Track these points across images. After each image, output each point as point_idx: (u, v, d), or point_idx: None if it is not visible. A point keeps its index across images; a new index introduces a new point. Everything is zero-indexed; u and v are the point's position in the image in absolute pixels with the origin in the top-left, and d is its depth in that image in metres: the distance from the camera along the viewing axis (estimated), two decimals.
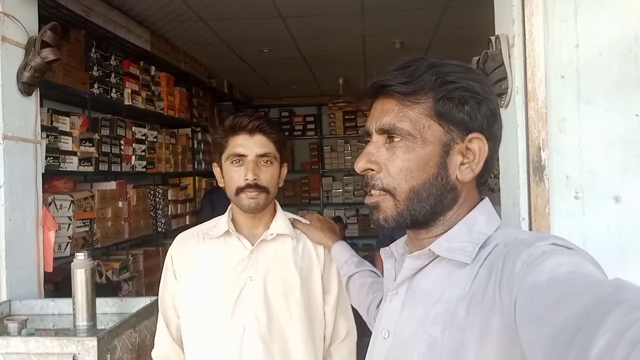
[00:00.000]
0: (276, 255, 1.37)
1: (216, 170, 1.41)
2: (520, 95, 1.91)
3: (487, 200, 0.80)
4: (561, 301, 0.55)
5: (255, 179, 1.30)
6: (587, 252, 0.65)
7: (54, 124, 2.90)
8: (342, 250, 1.36)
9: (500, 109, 2.10)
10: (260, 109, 7.35)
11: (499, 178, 2.21)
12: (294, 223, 1.42)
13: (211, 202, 4.51)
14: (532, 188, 1.87)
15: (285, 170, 1.42)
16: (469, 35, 4.37)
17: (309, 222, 1.44)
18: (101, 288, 2.89)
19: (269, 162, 1.33)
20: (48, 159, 2.77)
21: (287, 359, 1.32)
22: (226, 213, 1.41)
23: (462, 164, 0.75)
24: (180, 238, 1.44)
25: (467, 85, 0.75)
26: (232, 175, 1.33)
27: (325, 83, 6.43)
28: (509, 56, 1.94)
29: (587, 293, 0.54)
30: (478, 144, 0.75)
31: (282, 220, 1.40)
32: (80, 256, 1.81)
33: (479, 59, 2.08)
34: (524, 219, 1.87)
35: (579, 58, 1.88)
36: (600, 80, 1.86)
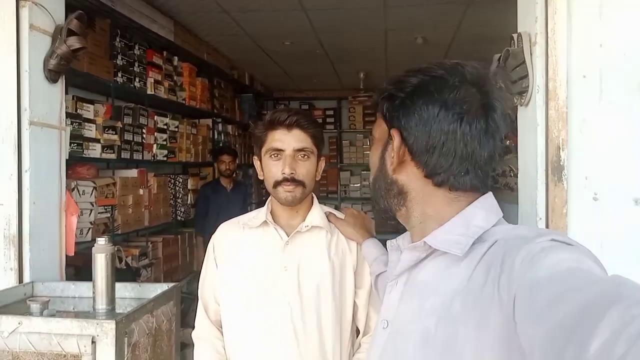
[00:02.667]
0: (310, 246, 1.41)
1: (257, 163, 1.45)
2: (540, 94, 1.89)
3: (489, 195, 0.81)
4: (560, 297, 0.55)
5: (292, 173, 1.34)
6: (587, 249, 0.65)
7: (78, 111, 2.96)
8: (372, 248, 1.37)
9: (520, 108, 2.07)
10: (280, 102, 7.39)
11: (517, 177, 2.19)
12: (328, 217, 1.46)
13: (206, 196, 4.35)
14: (551, 188, 1.85)
15: (323, 164, 1.47)
16: (492, 32, 4.32)
17: (343, 216, 1.47)
18: (120, 273, 2.96)
19: (305, 157, 1.37)
20: (72, 145, 2.83)
21: (317, 347, 1.36)
22: (266, 204, 1.46)
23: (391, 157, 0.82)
24: (223, 227, 1.51)
25: (396, 82, 0.81)
26: (270, 168, 1.38)
27: (346, 77, 6.43)
28: (531, 54, 1.92)
29: (587, 289, 0.54)
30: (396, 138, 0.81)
31: (317, 213, 1.44)
32: (101, 241, 1.86)
33: (501, 56, 2.06)
34: (540, 218, 1.86)
35: (602, 58, 1.85)
36: (623, 81, 1.83)
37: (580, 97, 1.85)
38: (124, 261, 1.89)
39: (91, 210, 3.07)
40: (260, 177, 1.44)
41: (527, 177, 1.99)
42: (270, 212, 1.44)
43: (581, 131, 1.86)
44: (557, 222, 1.86)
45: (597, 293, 0.53)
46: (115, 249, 1.91)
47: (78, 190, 2.96)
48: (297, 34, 4.52)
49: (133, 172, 3.59)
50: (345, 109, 7.37)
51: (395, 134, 0.80)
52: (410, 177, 0.81)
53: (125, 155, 3.44)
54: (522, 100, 1.98)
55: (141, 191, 3.64)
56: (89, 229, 3.06)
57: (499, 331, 0.64)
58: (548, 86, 1.86)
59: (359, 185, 7.27)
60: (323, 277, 1.39)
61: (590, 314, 0.51)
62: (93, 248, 1.86)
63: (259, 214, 1.45)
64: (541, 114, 1.88)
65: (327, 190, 7.28)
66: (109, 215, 3.28)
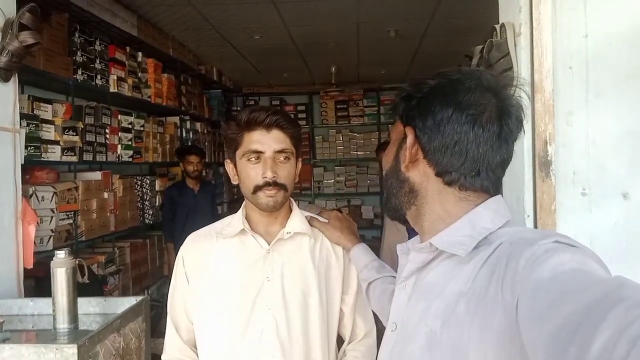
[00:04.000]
0: (294, 254, 1.31)
1: (229, 167, 1.33)
2: (526, 87, 1.82)
3: (498, 198, 0.81)
4: (563, 298, 0.56)
5: (274, 177, 1.24)
6: (591, 250, 0.65)
7: (35, 112, 2.76)
8: (362, 254, 1.31)
9: None
10: (250, 97, 7.22)
11: None
12: (311, 222, 1.36)
13: (172, 199, 4.10)
14: (538, 184, 1.79)
15: (300, 165, 1.36)
16: (466, 24, 4.27)
17: (327, 221, 1.38)
18: (84, 285, 2.78)
19: (286, 159, 1.27)
20: (28, 148, 2.64)
21: (304, 359, 1.27)
22: (240, 211, 1.34)
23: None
24: (191, 238, 1.38)
25: (415, 83, 0.83)
26: (248, 172, 1.26)
27: (317, 71, 6.31)
28: (515, 45, 1.85)
29: (589, 290, 0.55)
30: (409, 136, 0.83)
31: (298, 218, 1.34)
32: (61, 254, 1.70)
33: (483, 47, 1.99)
34: (528, 216, 1.79)
35: (588, 48, 1.79)
36: (610, 71, 1.78)
37: (566, 89, 1.78)
38: (86, 274, 1.74)
39: (52, 217, 2.87)
40: (234, 182, 1.32)
41: (512, 174, 1.92)
42: (246, 219, 1.32)
43: (568, 124, 1.79)
44: (546, 220, 1.79)
45: (599, 294, 0.53)
46: (77, 261, 1.75)
47: (37, 197, 2.76)
48: (266, 27, 4.38)
49: (96, 175, 3.40)
50: (317, 104, 7.25)
51: (409, 132, 0.82)
52: (421, 175, 0.82)
53: (87, 157, 3.25)
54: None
55: (106, 195, 3.45)
56: (50, 237, 2.87)
57: (502, 333, 0.65)
58: (534, 78, 1.79)
59: (332, 181, 7.17)
60: (309, 286, 1.30)
61: (591, 315, 0.51)
62: (52, 262, 1.69)
63: (233, 222, 1.33)
64: (527, 108, 1.81)
65: (301, 186, 7.15)
66: (71, 221, 3.09)
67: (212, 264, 1.30)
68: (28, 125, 2.64)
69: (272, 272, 1.28)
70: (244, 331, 1.25)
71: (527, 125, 1.81)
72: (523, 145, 1.82)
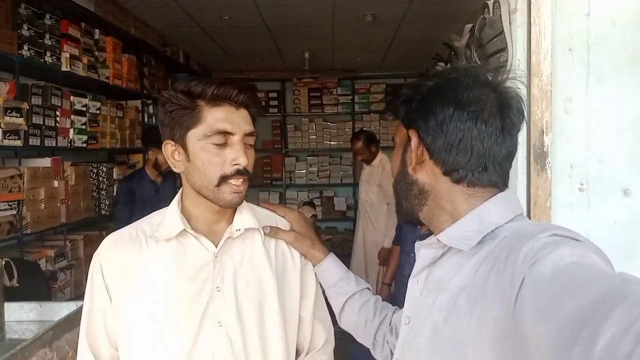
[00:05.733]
0: (246, 256, 1.09)
1: (169, 150, 1.05)
2: (523, 78, 1.64)
3: (508, 192, 0.82)
4: (565, 295, 0.56)
5: (246, 165, 1.02)
6: (592, 242, 0.66)
7: None
8: (336, 265, 1.18)
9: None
10: None
11: None
12: (272, 233, 1.14)
13: (130, 192, 3.35)
14: (533, 178, 1.61)
15: None
16: (446, 10, 4.09)
17: (287, 224, 1.18)
18: (31, 279, 2.51)
19: (252, 144, 1.07)
20: None
21: None
22: (173, 205, 1.09)
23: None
24: (111, 241, 1.09)
25: (413, 86, 0.84)
26: (211, 158, 1.01)
27: (290, 57, 6.05)
28: (510, 23, 1.66)
29: (592, 287, 0.55)
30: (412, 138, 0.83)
31: (247, 211, 1.11)
32: None
33: (474, 26, 1.79)
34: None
35: (590, 28, 1.61)
36: (613, 55, 1.61)
37: (565, 73, 1.61)
38: (15, 278, 1.50)
39: None
40: (178, 170, 1.06)
41: None
42: (183, 214, 1.08)
43: (567, 112, 1.62)
44: (540, 217, 1.62)
45: (602, 291, 0.54)
46: (3, 263, 1.50)
47: None
48: (236, 8, 4.10)
49: (45, 162, 3.10)
50: (289, 92, 6.99)
51: (412, 134, 0.82)
52: (429, 176, 0.82)
53: (34, 141, 2.94)
54: (500, 77, 1.72)
55: (56, 183, 3.15)
56: None
57: (498, 326, 0.66)
58: (530, 60, 1.60)
59: (304, 171, 6.93)
60: (266, 293, 1.09)
61: (596, 312, 0.51)
62: None
63: (166, 220, 1.07)
64: (522, 93, 1.63)
65: (272, 177, 6.90)
66: (15, 212, 2.79)
67: (142, 275, 1.04)
68: None
69: (222, 281, 1.05)
70: (188, 355, 1.01)
71: None
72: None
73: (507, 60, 1.69)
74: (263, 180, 6.82)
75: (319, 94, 6.86)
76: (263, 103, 6.88)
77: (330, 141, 6.89)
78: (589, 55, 1.61)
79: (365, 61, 6.25)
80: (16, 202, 2.79)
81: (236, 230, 1.07)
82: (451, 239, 0.78)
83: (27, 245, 3.09)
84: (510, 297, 0.63)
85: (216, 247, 1.06)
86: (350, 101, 6.88)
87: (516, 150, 0.82)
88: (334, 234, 6.57)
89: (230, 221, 1.09)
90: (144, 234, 1.07)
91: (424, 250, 0.84)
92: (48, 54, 3.10)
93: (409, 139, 0.83)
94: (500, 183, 0.80)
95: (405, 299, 0.89)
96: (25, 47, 2.90)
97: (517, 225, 0.75)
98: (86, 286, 1.09)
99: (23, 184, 2.84)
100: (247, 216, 1.10)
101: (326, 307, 1.22)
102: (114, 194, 3.87)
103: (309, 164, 6.93)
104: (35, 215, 2.97)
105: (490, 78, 0.80)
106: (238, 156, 1.01)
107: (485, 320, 0.67)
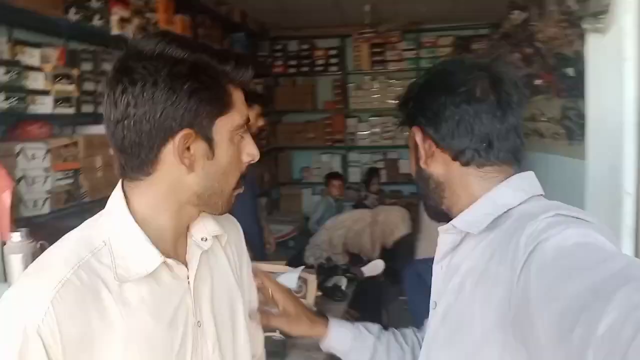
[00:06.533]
0: (215, 270, 0.90)
1: (184, 143, 0.78)
2: (631, 15, 1.31)
3: (525, 173, 0.82)
4: (569, 276, 0.56)
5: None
6: (596, 220, 0.66)
7: (18, 57, 2.39)
8: (341, 330, 1.10)
9: (593, 36, 1.50)
10: (278, 42, 6.67)
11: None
12: (263, 321, 1.06)
13: None
14: None
15: None
16: None
17: (277, 308, 1.10)
18: None
19: None
20: (10, 99, 2.29)
21: None
22: (125, 218, 0.82)
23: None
24: (68, 295, 0.71)
25: (407, 89, 0.90)
26: (237, 155, 0.83)
27: (349, 11, 5.70)
28: None
29: (595, 268, 0.55)
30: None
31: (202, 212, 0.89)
32: (16, 237, 1.36)
33: None
34: (629, 193, 1.31)
35: None
36: None
37: None
38: None
39: (46, 178, 2.56)
40: (188, 171, 0.80)
41: (603, 133, 1.44)
42: (139, 227, 0.80)
43: None
44: None
45: (605, 273, 0.53)
46: (38, 245, 1.41)
47: (26, 154, 2.45)
48: None
49: (100, 129, 3.03)
50: (350, 48, 6.64)
51: (416, 130, 0.87)
52: (441, 165, 0.84)
53: (87, 108, 2.89)
54: (599, 25, 1.39)
55: (112, 150, 3.10)
56: (45, 199, 2.56)
57: (499, 306, 0.68)
58: None
59: (367, 132, 6.63)
60: (236, 311, 0.93)
61: (598, 294, 0.51)
62: (4, 247, 1.36)
63: (128, 248, 0.78)
64: (632, 44, 1.30)
65: (333, 139, 6.66)
66: (71, 181, 2.77)
67: (110, 343, 0.74)
68: (8, 72, 2.27)
69: (201, 313, 0.85)
70: None
71: (628, 69, 1.33)
72: (622, 96, 1.32)
73: (609, 4, 1.36)
74: (325, 142, 6.60)
75: (381, 50, 6.47)
76: (323, 62, 6.60)
77: (394, 100, 6.54)
78: None
79: (431, 12, 5.78)
80: (72, 171, 2.77)
81: (202, 239, 0.87)
82: (464, 223, 0.80)
83: (87, 212, 3.09)
84: (512, 279, 0.65)
85: (187, 269, 0.84)
86: (415, 56, 6.44)
87: (521, 123, 0.82)
88: (398, 198, 6.31)
89: (188, 228, 0.87)
90: (98, 276, 0.75)
91: (443, 236, 0.86)
92: (97, 17, 3.00)
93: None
94: (512, 159, 0.81)
95: (432, 285, 0.91)
96: (72, 11, 2.80)
97: (528, 206, 0.76)
98: None
99: (78, 153, 2.80)
100: (209, 220, 0.89)
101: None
102: None
103: (372, 125, 6.63)
104: (93, 184, 2.95)
105: (477, 61, 0.83)
106: (253, 150, 0.83)
107: (488, 301, 0.70)
